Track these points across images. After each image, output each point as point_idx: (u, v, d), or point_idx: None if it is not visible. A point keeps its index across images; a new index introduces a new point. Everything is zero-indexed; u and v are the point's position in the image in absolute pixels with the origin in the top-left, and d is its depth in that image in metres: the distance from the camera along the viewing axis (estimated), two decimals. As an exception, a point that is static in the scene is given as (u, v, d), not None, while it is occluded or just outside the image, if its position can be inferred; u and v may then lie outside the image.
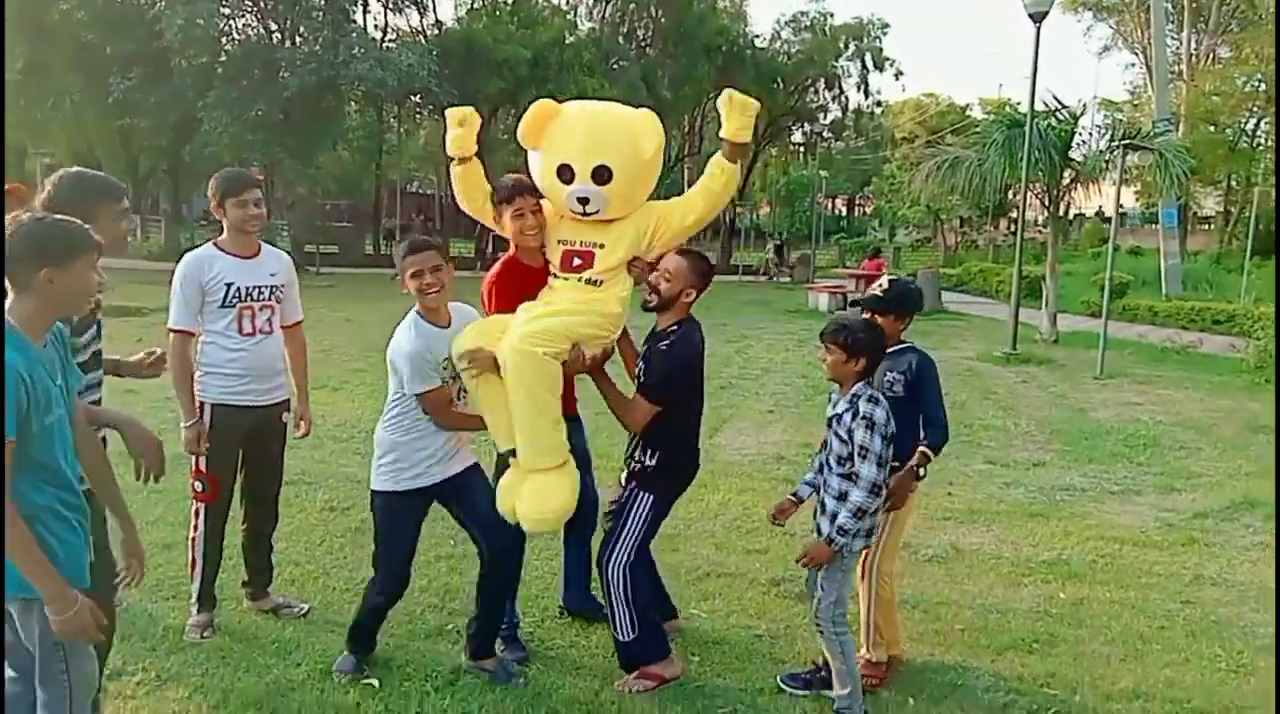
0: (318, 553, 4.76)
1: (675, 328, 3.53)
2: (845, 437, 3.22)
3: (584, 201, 3.40)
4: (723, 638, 3.97)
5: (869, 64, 35.49)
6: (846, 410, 3.24)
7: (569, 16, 31.96)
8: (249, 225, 3.74)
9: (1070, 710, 3.48)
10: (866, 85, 36.16)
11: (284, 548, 4.46)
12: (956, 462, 7.04)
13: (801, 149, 41.94)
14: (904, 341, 3.59)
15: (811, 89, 36.20)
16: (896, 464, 3.38)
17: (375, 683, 3.38)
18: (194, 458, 3.68)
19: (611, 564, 3.49)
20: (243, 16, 26.58)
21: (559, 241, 3.54)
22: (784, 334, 15.09)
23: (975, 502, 6.12)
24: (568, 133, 3.43)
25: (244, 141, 23.57)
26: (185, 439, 3.63)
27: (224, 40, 25.55)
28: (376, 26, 28.98)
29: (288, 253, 4.19)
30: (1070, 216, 24.83)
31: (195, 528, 3.79)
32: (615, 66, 30.43)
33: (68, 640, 2.20)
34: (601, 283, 3.46)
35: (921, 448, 3.48)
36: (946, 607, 4.38)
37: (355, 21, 26.61)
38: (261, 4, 26.02)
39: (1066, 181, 14.91)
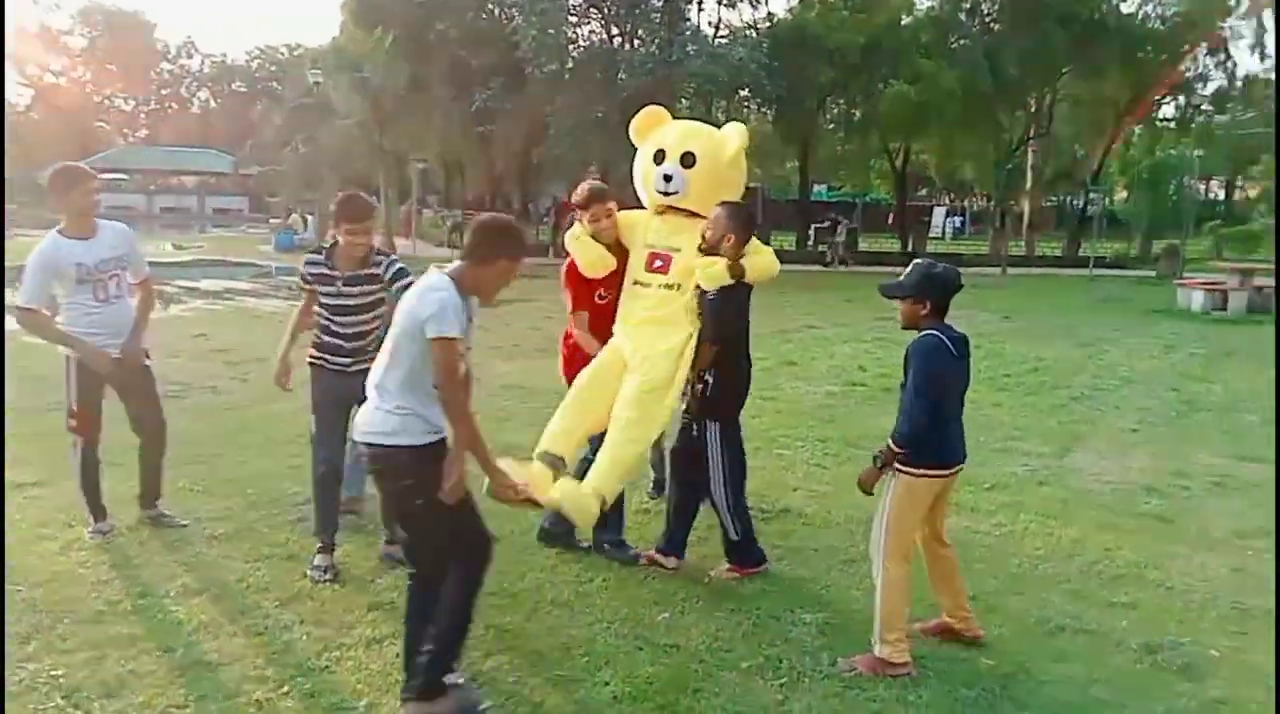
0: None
1: (727, 290, 4.08)
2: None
3: (668, 178, 4.24)
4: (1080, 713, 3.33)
5: (1266, 21, 30.46)
6: None
7: (908, -4, 30.51)
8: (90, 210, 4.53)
9: None
10: (1262, 47, 31.08)
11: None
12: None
13: (1173, 124, 36.89)
14: (932, 326, 3.47)
15: (1189, 56, 31.71)
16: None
17: None
18: None
19: (715, 489, 4.27)
20: (588, 23, 28.15)
21: (646, 245, 4.31)
22: (1148, 338, 13.22)
23: None
24: (666, 129, 4.46)
25: (585, 143, 24.96)
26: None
27: (570, 47, 27.20)
28: (709, 23, 29.49)
29: None
30: None
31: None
32: (955, 46, 28.59)
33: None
34: (679, 287, 4.18)
35: (888, 441, 3.44)
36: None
37: (689, 20, 27.22)
38: (605, 10, 27.38)
39: None
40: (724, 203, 4.18)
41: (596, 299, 4.42)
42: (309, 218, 28.01)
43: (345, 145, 31.59)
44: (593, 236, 4.36)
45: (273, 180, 40.59)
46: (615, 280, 4.38)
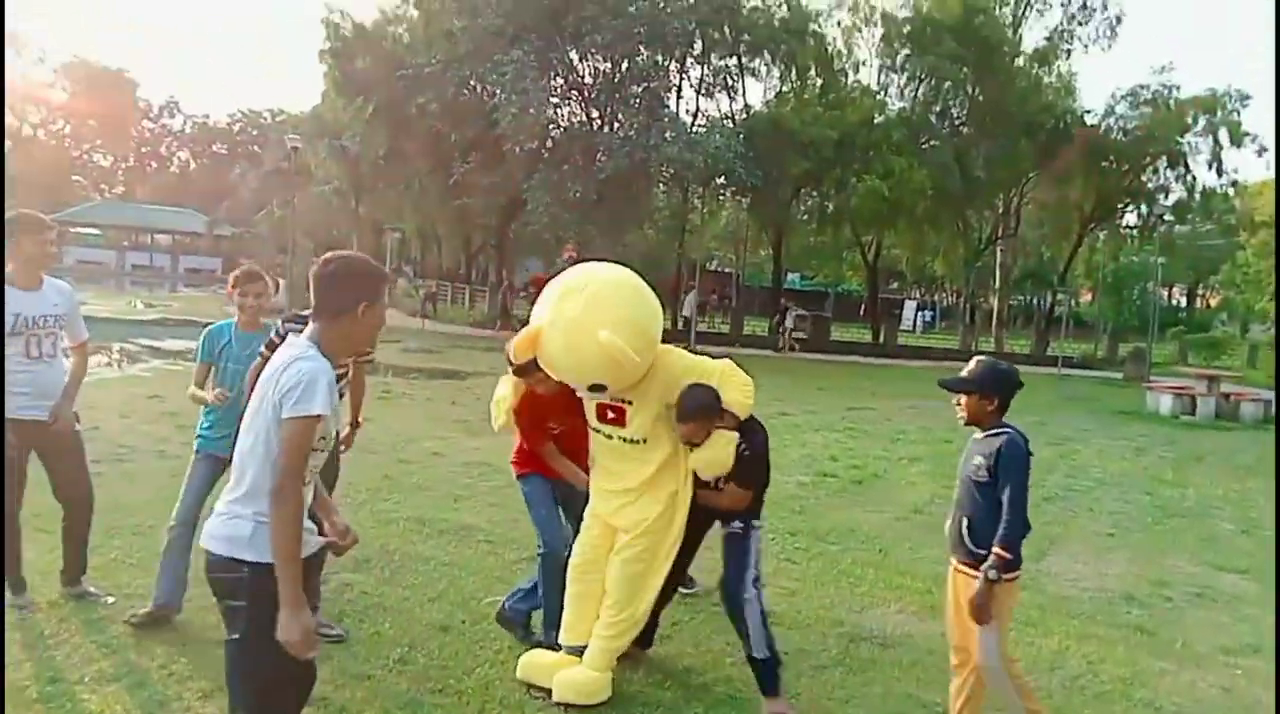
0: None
1: (741, 439, 3.84)
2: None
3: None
4: None
5: (1223, 140, 31.61)
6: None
7: (879, 97, 31.42)
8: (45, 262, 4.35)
9: None
10: (1220, 163, 32.18)
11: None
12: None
13: (1135, 232, 37.93)
14: (1001, 425, 3.40)
15: (1150, 168, 32.77)
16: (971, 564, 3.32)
17: None
18: None
19: (749, 594, 3.83)
20: (568, 104, 28.61)
21: None
22: (1118, 439, 13.20)
23: None
24: (553, 360, 3.77)
25: (561, 220, 25.11)
26: None
27: (550, 127, 27.56)
28: (688, 111, 30.07)
29: None
30: None
31: None
32: (926, 146, 29.36)
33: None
34: (644, 441, 3.85)
35: (995, 549, 3.21)
36: None
37: (669, 107, 27.76)
38: (585, 93, 27.87)
39: None
40: (681, 413, 3.76)
41: (550, 432, 4.21)
42: (280, 281, 27.76)
43: (321, 211, 31.68)
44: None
45: (247, 242, 40.60)
46: (565, 414, 4.09)
